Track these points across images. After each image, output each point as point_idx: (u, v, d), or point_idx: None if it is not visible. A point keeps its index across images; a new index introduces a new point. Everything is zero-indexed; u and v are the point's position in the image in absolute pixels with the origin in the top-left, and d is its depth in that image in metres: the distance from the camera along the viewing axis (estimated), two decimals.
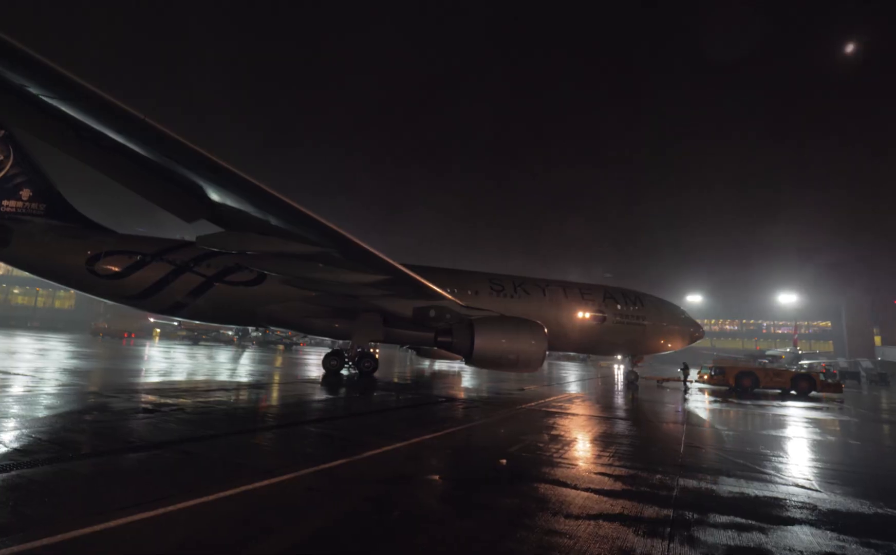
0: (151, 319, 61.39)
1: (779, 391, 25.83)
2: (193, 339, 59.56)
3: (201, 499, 4.27)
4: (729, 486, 5.98)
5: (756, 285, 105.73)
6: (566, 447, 8.04)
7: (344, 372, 19.33)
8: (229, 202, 11.84)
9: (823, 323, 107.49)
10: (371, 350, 19.99)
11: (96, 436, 6.60)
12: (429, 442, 7.80)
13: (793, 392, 25.29)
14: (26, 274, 19.93)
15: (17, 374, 13.08)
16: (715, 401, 19.42)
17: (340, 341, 26.58)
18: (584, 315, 21.79)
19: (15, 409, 7.98)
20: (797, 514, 5.05)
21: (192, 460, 5.69)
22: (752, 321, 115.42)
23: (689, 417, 13.72)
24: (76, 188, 22.70)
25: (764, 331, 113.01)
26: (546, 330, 17.60)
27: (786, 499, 5.58)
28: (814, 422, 14.15)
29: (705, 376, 28.30)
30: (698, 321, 26.09)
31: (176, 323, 58.32)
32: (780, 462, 7.86)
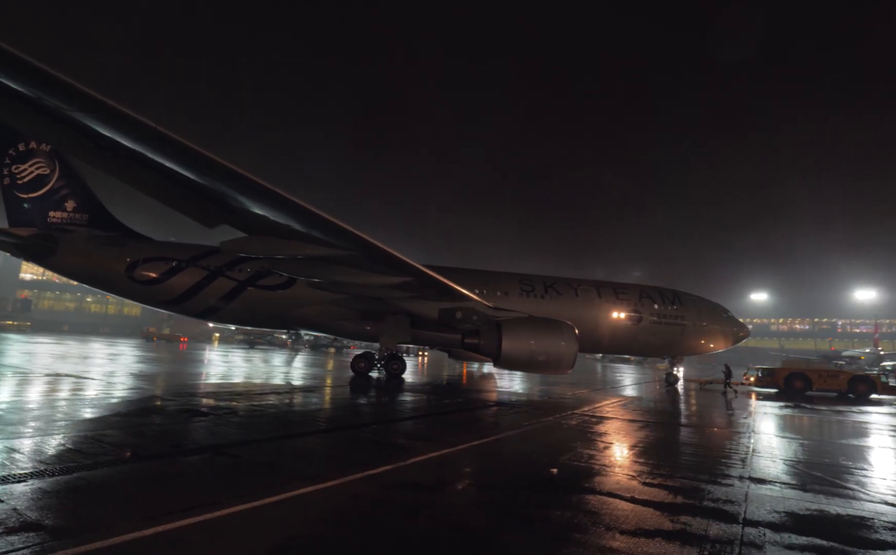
0: (210, 324, 64.42)
1: (834, 394, 24.06)
2: (249, 343, 62.05)
3: (250, 504, 4.27)
4: (806, 502, 5.45)
5: (829, 281, 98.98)
6: (620, 456, 7.65)
7: (374, 374, 19.40)
8: (250, 208, 11.82)
9: None
10: (401, 353, 20.09)
11: (154, 439, 6.83)
12: (476, 448, 7.62)
13: (850, 395, 23.49)
14: None
15: (88, 378, 13.92)
16: (779, 406, 18.13)
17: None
18: (618, 315, 21.22)
19: (82, 411, 8.46)
20: (889, 536, 4.51)
21: (242, 464, 5.77)
22: (825, 320, 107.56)
23: (752, 423, 12.83)
24: (117, 198, 23.89)
25: (839, 330, 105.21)
26: (577, 331, 17.20)
27: (873, 519, 5.01)
28: None
29: (752, 378, 26.89)
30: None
31: (233, 327, 60.82)
32: (864, 475, 7.13)
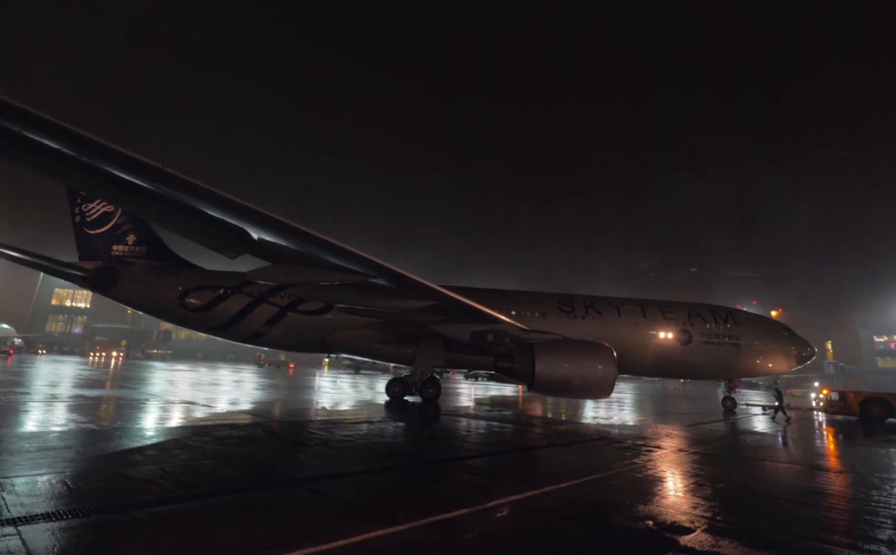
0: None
1: None
2: (355, 368, 65.24)
3: (317, 547, 4.26)
4: None
5: None
6: (729, 506, 6.66)
7: (410, 399, 19.38)
8: (268, 238, 11.70)
9: None
10: (436, 376, 19.93)
11: (244, 469, 7.19)
12: (565, 492, 7.09)
13: None
14: None
15: (204, 405, 15.34)
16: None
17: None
18: (665, 335, 20.16)
19: (191, 439, 9.25)
20: None
21: (320, 500, 5.83)
22: None
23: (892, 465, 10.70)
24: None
25: None
26: (615, 353, 16.26)
27: None
28: None
29: (821, 403, 24.03)
30: None
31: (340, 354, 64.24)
32: None
